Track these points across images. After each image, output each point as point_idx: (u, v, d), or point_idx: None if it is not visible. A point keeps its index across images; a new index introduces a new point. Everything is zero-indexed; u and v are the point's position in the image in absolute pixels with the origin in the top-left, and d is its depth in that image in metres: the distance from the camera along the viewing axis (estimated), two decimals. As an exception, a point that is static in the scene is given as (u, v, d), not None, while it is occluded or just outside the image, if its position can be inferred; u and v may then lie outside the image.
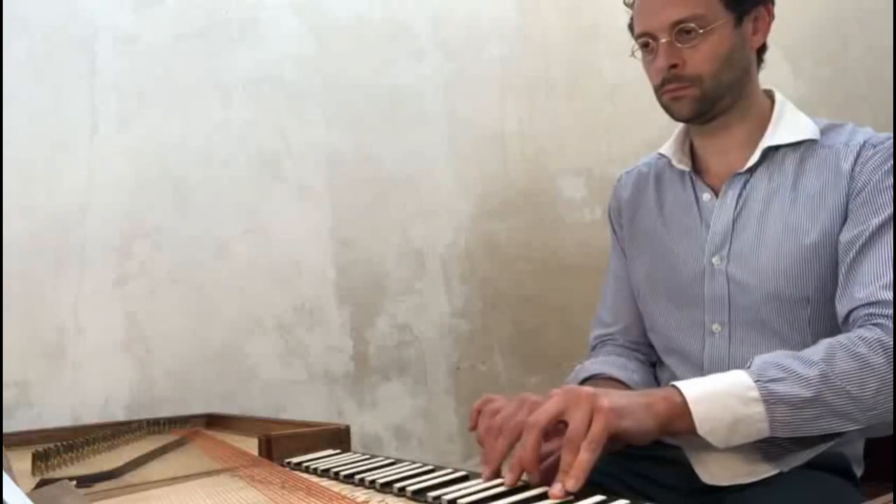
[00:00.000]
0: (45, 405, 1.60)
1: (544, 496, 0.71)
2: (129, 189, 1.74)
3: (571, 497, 0.70)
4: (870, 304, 0.91)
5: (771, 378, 0.82)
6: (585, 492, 0.70)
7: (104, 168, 1.72)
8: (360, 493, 0.79)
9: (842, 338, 0.87)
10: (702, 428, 0.80)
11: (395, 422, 1.91)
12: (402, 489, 0.77)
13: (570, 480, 0.70)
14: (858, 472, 1.03)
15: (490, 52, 2.14)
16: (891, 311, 0.88)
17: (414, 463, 0.90)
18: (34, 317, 1.62)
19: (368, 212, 1.95)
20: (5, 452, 1.19)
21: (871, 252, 0.94)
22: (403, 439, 1.91)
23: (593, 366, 1.15)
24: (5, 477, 0.68)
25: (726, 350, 1.05)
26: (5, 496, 0.61)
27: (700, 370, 1.07)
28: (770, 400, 0.81)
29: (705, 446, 0.83)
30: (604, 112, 2.16)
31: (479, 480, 0.78)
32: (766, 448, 0.88)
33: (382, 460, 0.93)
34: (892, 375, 0.83)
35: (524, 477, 0.77)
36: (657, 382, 1.18)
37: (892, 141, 1.00)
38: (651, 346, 1.19)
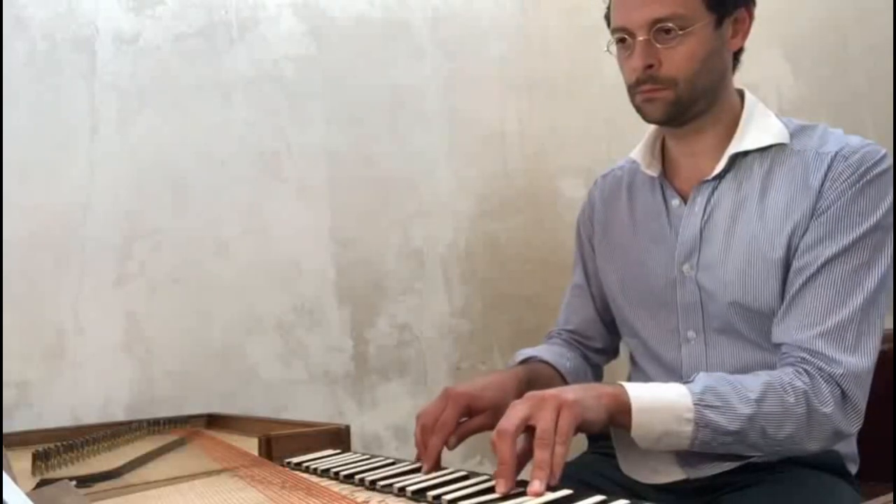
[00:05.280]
0: (45, 405, 1.60)
1: (542, 494, 0.71)
2: (129, 189, 1.73)
3: (571, 495, 0.71)
4: (804, 349, 0.93)
5: (708, 404, 0.87)
6: (583, 492, 0.71)
7: (104, 168, 1.72)
8: (360, 493, 0.79)
9: (775, 380, 0.91)
10: (634, 432, 0.87)
11: (395, 422, 1.90)
12: (402, 489, 0.77)
13: (550, 476, 0.74)
14: (853, 469, 1.04)
15: (490, 51, 2.14)
16: (821, 364, 0.92)
17: (414, 463, 0.90)
18: (34, 317, 1.61)
19: (368, 212, 1.95)
20: (5, 452, 1.19)
21: (817, 287, 0.95)
22: (403, 439, 1.91)
23: (532, 350, 1.19)
24: (5, 477, 0.68)
25: (703, 356, 1.05)
26: (5, 496, 0.61)
27: (679, 378, 1.05)
28: (700, 424, 0.87)
29: (633, 444, 0.89)
30: (604, 112, 2.16)
31: (479, 480, 0.78)
32: (682, 456, 0.97)
33: (382, 460, 0.94)
34: (806, 424, 0.90)
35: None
36: (593, 376, 1.24)
37: (864, 151, 0.97)
38: (599, 349, 1.25)
